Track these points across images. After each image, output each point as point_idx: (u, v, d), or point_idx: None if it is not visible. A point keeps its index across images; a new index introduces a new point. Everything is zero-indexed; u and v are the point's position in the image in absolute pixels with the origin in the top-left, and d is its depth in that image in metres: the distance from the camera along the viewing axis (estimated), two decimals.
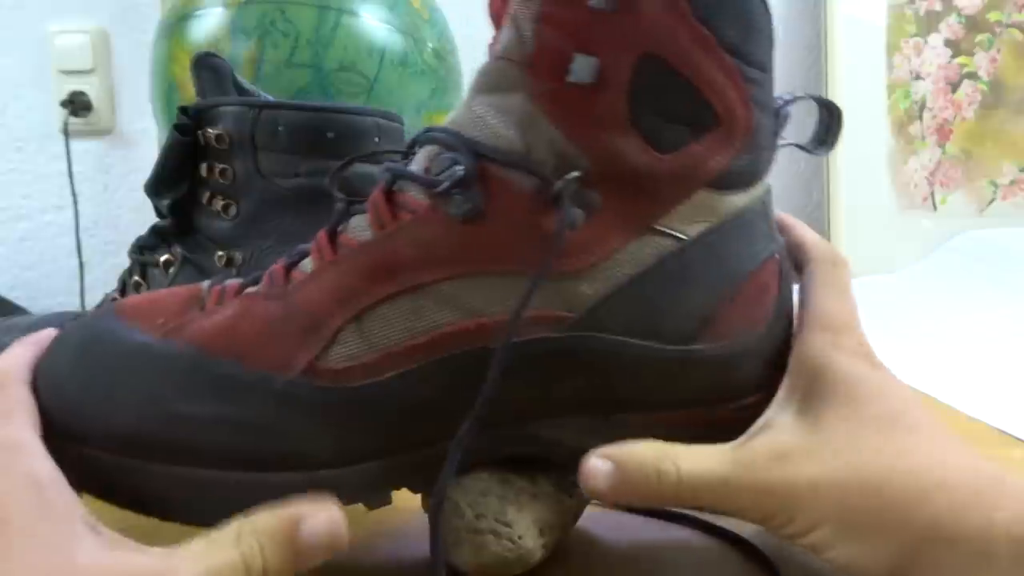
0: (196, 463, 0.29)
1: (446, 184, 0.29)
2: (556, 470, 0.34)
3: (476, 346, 0.30)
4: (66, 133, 1.03)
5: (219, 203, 0.48)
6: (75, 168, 1.03)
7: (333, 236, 0.32)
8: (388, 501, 0.32)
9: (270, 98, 0.50)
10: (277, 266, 0.32)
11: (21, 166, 1.07)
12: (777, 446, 0.29)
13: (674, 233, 0.30)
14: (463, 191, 0.29)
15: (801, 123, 0.34)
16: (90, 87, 1.04)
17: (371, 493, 0.31)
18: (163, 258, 0.49)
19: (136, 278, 0.50)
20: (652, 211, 0.30)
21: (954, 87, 1.07)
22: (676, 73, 0.29)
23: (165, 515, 0.30)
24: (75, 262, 1.04)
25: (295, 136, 0.47)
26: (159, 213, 0.50)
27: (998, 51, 1.07)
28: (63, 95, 1.03)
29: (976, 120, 1.07)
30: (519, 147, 0.30)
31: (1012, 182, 1.07)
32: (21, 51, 1.04)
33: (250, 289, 0.32)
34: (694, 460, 0.29)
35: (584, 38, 0.29)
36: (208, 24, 0.70)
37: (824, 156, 0.35)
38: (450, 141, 0.30)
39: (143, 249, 0.51)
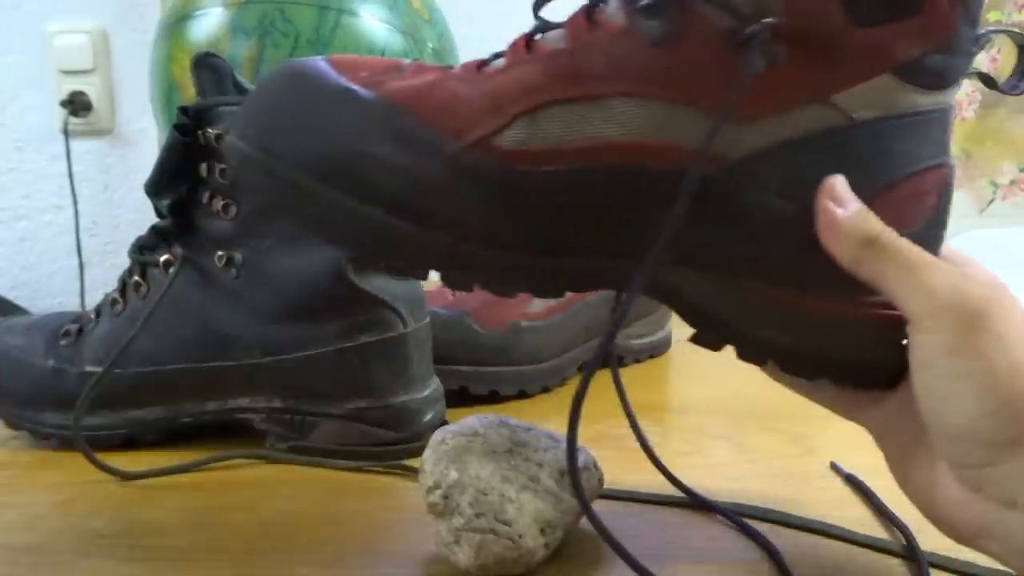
0: (365, 199, 0.32)
1: (645, 1, 0.30)
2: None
3: (629, 163, 0.31)
4: (66, 133, 1.03)
5: (219, 203, 0.48)
6: (75, 168, 1.04)
7: (529, 42, 0.34)
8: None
9: None
10: (469, 62, 0.34)
11: (21, 166, 1.07)
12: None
13: (846, 111, 0.31)
14: (659, 16, 0.30)
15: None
16: (90, 87, 1.04)
17: (499, 282, 0.33)
18: (163, 258, 0.49)
19: (136, 278, 0.50)
20: (832, 82, 0.30)
21: None
22: None
23: (319, 234, 0.33)
24: (75, 262, 1.04)
25: None
26: (159, 213, 0.50)
27: (998, 51, 1.07)
28: (63, 95, 1.03)
29: (976, 120, 1.07)
30: None
31: (1012, 182, 1.07)
32: (21, 51, 1.04)
33: (447, 71, 0.35)
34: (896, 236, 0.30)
35: None
36: (208, 24, 0.70)
37: (1018, 95, 0.36)
38: None
39: (143, 249, 0.51)
